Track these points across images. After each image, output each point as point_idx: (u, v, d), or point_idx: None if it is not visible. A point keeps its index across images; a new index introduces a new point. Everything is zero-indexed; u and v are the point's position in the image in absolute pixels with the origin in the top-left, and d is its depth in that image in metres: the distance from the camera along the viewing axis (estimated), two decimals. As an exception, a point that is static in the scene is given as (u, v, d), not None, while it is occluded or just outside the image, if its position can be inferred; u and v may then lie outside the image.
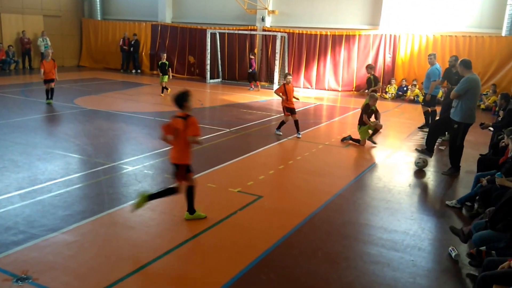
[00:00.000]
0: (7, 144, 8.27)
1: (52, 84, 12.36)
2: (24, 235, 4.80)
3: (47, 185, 6.29)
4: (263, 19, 19.10)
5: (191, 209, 5.39)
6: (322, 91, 18.25)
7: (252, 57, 17.83)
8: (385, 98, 16.91)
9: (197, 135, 4.99)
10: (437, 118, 10.44)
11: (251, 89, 17.65)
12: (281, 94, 9.79)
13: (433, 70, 10.58)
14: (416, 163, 7.97)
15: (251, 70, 17.87)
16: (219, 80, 20.17)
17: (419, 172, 7.83)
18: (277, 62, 18.02)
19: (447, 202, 6.28)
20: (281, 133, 9.95)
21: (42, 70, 12.16)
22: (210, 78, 19.50)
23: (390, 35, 17.10)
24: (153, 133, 9.88)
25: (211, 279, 4.19)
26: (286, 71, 18.71)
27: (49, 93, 12.39)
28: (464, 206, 6.16)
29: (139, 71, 21.87)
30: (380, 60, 17.46)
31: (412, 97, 16.54)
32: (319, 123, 11.82)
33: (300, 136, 9.86)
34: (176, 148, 5.07)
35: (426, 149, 8.20)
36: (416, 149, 8.68)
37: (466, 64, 7.42)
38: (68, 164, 7.35)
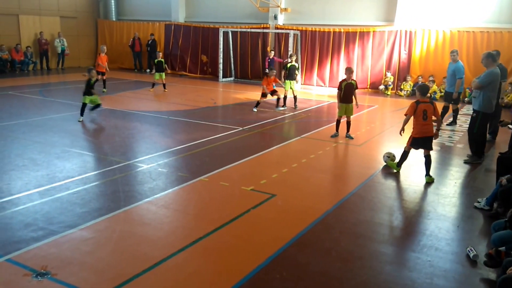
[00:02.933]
0: (26, 143, 8.43)
1: (104, 76, 14.61)
2: (43, 232, 4.91)
3: (65, 183, 6.40)
4: (275, 17, 19.04)
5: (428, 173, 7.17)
6: (335, 89, 17.99)
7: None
8: (401, 96, 16.73)
9: (439, 114, 7.33)
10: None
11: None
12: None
13: (459, 67, 10.70)
14: (384, 160, 7.93)
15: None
16: (232, 78, 20.21)
17: (436, 171, 7.73)
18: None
19: (475, 204, 6.12)
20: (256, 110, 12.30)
21: (98, 62, 14.61)
22: (223, 77, 19.53)
23: (406, 31, 16.88)
24: (166, 132, 9.97)
25: (225, 277, 4.21)
26: (299, 69, 18.65)
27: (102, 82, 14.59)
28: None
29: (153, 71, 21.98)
30: (395, 56, 17.26)
31: (429, 94, 16.33)
32: (332, 121, 11.73)
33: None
34: (429, 124, 7.08)
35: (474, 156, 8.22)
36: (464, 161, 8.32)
37: (494, 58, 7.83)
38: (85, 162, 7.46)
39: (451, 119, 11.76)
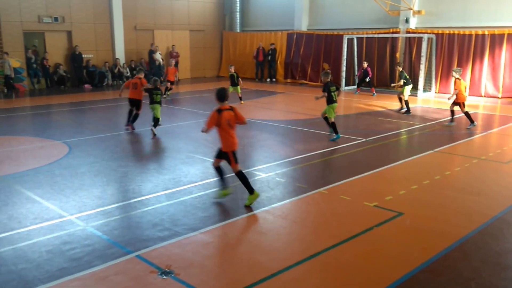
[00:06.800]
0: (156, 148, 9.10)
1: (172, 85, 16.42)
2: (168, 232, 5.16)
3: (189, 187, 6.69)
4: (407, 21, 17.93)
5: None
6: (477, 97, 16.30)
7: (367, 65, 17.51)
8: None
9: (245, 120, 6.02)
10: None
11: (357, 93, 17.70)
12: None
13: None
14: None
15: (368, 78, 17.47)
16: (355, 87, 19.54)
17: None
18: (422, 66, 16.71)
19: None
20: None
21: (166, 73, 16.59)
22: (345, 85, 19.03)
23: None
24: (285, 141, 9.93)
25: (345, 299, 3.90)
26: (434, 76, 17.32)
27: (166, 90, 16.20)
28: None
29: (273, 80, 22.44)
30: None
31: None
32: (472, 134, 10.51)
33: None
34: (234, 136, 5.92)
35: None
36: None
37: None
38: (207, 168, 7.73)
39: None
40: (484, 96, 16.30)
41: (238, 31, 24.23)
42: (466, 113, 10.84)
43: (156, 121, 10.09)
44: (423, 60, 16.62)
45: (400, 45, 18.39)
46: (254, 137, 10.26)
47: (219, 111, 5.79)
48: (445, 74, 17.27)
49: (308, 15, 21.57)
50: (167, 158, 8.29)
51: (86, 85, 19.14)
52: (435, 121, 11.95)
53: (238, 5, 23.78)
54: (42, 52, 18.57)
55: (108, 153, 8.71)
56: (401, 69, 13.78)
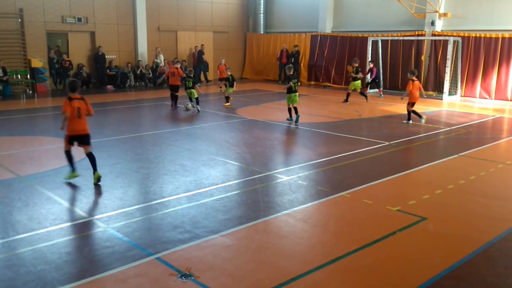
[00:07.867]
0: (178, 150, 9.18)
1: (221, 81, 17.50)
2: (189, 234, 5.17)
3: (210, 189, 6.71)
4: (432, 23, 17.59)
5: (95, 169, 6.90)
6: (503, 101, 15.88)
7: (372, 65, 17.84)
8: None
9: (93, 112, 7.03)
10: None
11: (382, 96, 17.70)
12: None
13: None
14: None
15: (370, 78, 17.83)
16: (376, 90, 19.28)
17: None
18: (447, 70, 16.37)
19: None
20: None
21: (219, 72, 17.68)
22: (370, 88, 18.80)
23: None
24: (307, 144, 9.87)
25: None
26: (459, 80, 16.96)
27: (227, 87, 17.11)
28: None
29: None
30: None
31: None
32: (498, 138, 10.24)
33: None
34: (84, 122, 6.84)
35: None
36: None
37: None
38: (228, 170, 7.76)
39: None
40: (510, 100, 15.86)
41: (261, 32, 24.20)
42: (410, 112, 11.73)
43: (196, 100, 13.51)
44: (448, 63, 16.29)
45: (426, 48, 18.06)
46: (276, 140, 10.24)
47: (70, 99, 6.73)
48: (471, 78, 16.87)
49: (332, 17, 21.40)
50: (188, 160, 8.35)
51: (109, 86, 19.34)
52: (460, 125, 11.67)
53: (262, 6, 23.77)
54: (64, 52, 18.89)
55: (129, 154, 8.81)
56: (357, 65, 15.61)
